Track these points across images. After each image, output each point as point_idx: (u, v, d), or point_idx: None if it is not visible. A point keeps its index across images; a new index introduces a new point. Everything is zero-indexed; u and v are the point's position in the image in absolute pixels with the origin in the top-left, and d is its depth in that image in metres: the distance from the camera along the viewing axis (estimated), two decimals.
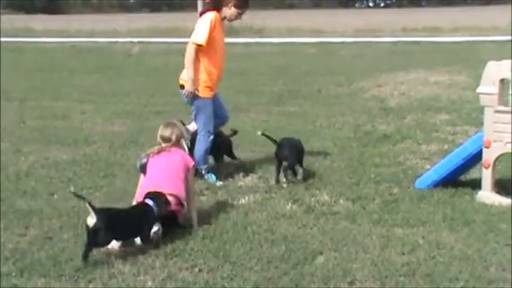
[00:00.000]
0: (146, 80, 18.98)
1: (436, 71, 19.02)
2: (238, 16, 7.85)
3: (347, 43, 31.73)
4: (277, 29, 40.95)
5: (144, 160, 6.30)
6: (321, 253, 5.61)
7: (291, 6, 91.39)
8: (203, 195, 7.40)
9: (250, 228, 6.18)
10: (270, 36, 36.68)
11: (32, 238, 6.04)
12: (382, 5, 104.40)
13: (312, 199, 7.12)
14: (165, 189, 5.85)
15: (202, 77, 7.78)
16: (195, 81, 7.71)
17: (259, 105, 13.42)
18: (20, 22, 48.35)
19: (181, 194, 6.01)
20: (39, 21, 51.80)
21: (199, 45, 7.68)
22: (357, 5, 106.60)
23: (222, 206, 6.94)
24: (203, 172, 7.88)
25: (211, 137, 7.93)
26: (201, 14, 7.90)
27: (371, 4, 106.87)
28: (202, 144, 7.92)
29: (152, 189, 5.83)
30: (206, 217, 6.52)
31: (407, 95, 14.92)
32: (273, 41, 32.20)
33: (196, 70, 7.71)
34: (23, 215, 6.65)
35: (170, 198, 5.85)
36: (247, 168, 8.37)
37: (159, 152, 6.20)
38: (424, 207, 6.78)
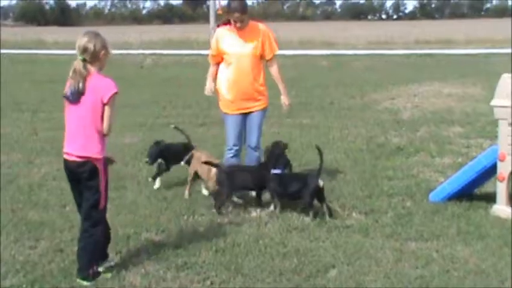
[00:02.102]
0: (158, 91, 19.03)
1: (449, 83, 19.00)
2: (235, 23, 7.64)
3: (359, 55, 31.75)
4: (289, 40, 41.05)
5: (70, 93, 5.38)
6: (334, 266, 5.59)
7: (303, 18, 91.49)
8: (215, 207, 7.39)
9: (262, 241, 6.16)
10: (282, 48, 36.68)
11: (43, 250, 6.04)
12: (394, 17, 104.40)
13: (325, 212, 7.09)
14: (77, 152, 5.29)
15: (219, 90, 7.93)
16: (209, 84, 7.99)
17: (271, 117, 13.37)
18: (32, 34, 48.72)
19: (94, 152, 5.28)
20: (51, 33, 52.15)
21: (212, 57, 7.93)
22: (369, 17, 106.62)
23: (233, 219, 6.93)
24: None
25: (230, 152, 7.86)
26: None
27: (383, 16, 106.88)
28: (224, 158, 7.98)
29: (69, 150, 5.32)
30: (218, 230, 6.52)
31: (421, 108, 14.89)
32: (285, 53, 32.26)
33: (210, 79, 8.00)
34: (34, 227, 6.67)
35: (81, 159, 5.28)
36: None
37: (79, 82, 5.28)
38: (437, 221, 6.74)
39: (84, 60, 5.31)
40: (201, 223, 6.83)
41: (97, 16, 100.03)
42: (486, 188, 7.76)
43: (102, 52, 5.35)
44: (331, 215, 6.82)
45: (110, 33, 49.56)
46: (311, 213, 6.83)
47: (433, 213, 6.97)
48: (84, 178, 5.33)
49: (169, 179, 8.58)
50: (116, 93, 5.30)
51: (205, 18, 47.06)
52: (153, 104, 16.11)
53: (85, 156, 5.29)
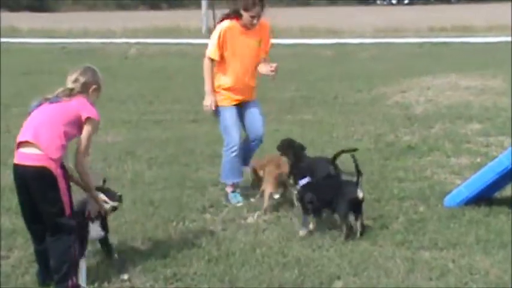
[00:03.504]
0: (144, 85, 19.03)
1: (467, 74, 18.99)
2: (253, 20, 7.74)
3: (367, 44, 31.77)
4: (289, 28, 41.04)
5: (36, 103, 5.55)
6: (339, 278, 5.60)
7: (305, 4, 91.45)
8: (207, 213, 7.40)
9: (259, 250, 6.17)
10: (281, 36, 36.77)
11: (16, 261, 6.04)
12: (406, 1, 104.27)
13: (328, 218, 7.10)
14: (34, 156, 5.26)
15: (220, 84, 7.93)
16: (210, 94, 7.87)
17: (270, 114, 13.41)
18: (4, 21, 48.56)
19: (50, 150, 5.26)
20: (26, 20, 52.05)
21: (211, 59, 7.89)
22: (378, 1, 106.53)
23: (228, 226, 6.94)
24: (226, 190, 7.96)
25: (233, 151, 7.86)
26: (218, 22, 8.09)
27: (394, 1, 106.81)
28: (223, 159, 8.00)
29: (24, 139, 5.33)
30: (211, 238, 6.53)
31: (435, 102, 14.90)
32: (285, 42, 32.25)
33: (212, 83, 7.90)
34: (6, 234, 6.67)
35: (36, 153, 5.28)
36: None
37: (57, 98, 5.50)
38: (454, 228, 6.75)
39: (71, 90, 5.51)
40: (192, 230, 6.84)
41: (76, 1, 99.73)
42: (507, 191, 7.78)
43: (94, 86, 5.60)
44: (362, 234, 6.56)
45: (91, 20, 49.29)
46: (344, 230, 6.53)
47: (448, 219, 6.98)
48: (40, 188, 5.28)
49: (156, 181, 8.60)
50: (96, 120, 5.48)
51: (197, 4, 47.07)
52: (138, 99, 16.11)
53: (42, 161, 5.23)
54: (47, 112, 5.43)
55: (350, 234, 6.46)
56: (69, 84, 5.54)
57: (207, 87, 7.89)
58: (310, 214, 6.76)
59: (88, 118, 5.43)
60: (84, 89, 5.55)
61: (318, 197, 6.74)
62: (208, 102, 7.88)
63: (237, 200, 7.83)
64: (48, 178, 5.24)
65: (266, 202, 7.43)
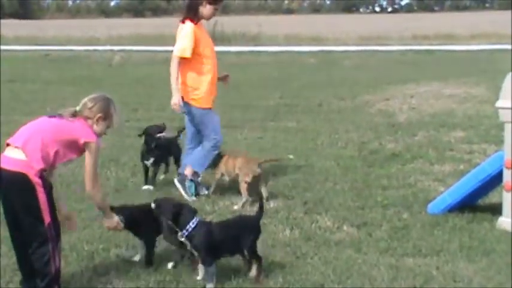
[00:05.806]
0: (128, 92, 18.97)
1: (450, 83, 19.09)
2: (215, 12, 8.18)
3: (350, 52, 31.86)
4: (274, 36, 41.10)
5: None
6: (323, 286, 5.58)
7: (289, 11, 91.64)
8: None
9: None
10: (266, 44, 36.77)
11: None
12: (389, 9, 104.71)
13: (313, 225, 7.10)
14: (14, 161, 5.17)
15: (200, 86, 8.18)
16: (178, 92, 8.11)
17: (254, 121, 13.42)
18: None
19: (34, 159, 5.15)
20: (9, 27, 51.87)
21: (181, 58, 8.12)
22: (361, 9, 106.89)
23: None
24: (187, 174, 8.33)
25: (217, 148, 8.26)
26: (182, 21, 8.25)
27: (377, 9, 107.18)
28: (204, 152, 8.28)
29: (12, 141, 5.28)
30: None
31: (418, 110, 14.95)
32: (269, 50, 32.28)
33: (180, 81, 8.21)
34: None
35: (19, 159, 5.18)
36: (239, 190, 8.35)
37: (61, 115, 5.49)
38: (437, 235, 6.76)
39: (76, 112, 5.49)
40: None
41: (60, 9, 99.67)
42: (491, 198, 7.80)
43: (99, 115, 5.50)
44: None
45: (74, 27, 49.12)
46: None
47: (432, 226, 6.99)
48: (18, 194, 5.18)
49: (140, 189, 8.57)
50: (94, 144, 5.39)
51: (181, 11, 47.06)
52: (123, 106, 15.91)
53: (21, 167, 5.14)
54: (44, 124, 5.39)
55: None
56: (78, 106, 5.51)
57: (175, 85, 8.09)
58: (213, 263, 5.55)
59: (86, 143, 5.36)
60: (89, 115, 5.49)
61: (218, 239, 5.58)
62: (176, 100, 8.06)
63: (191, 191, 8.25)
64: (25, 184, 5.14)
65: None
